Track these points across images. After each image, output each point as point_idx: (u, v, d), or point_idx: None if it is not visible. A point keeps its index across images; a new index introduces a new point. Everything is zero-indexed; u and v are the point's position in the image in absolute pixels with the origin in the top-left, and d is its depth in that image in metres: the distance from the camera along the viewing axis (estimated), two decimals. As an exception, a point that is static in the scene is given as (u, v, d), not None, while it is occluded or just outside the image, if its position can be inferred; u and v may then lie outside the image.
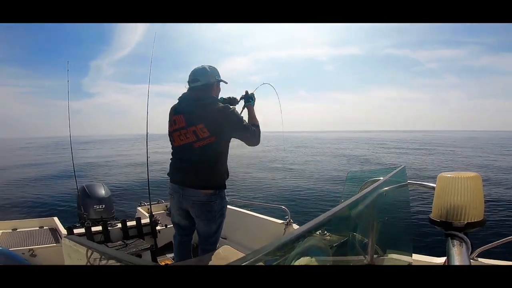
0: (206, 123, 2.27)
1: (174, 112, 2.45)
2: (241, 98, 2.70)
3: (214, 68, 2.47)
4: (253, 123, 2.51)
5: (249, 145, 2.44)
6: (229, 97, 2.68)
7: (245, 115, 2.58)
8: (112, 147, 48.42)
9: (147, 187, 4.34)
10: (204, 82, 2.38)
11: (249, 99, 2.67)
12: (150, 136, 3.99)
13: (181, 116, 2.38)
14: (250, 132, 2.38)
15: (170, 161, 2.52)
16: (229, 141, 2.42)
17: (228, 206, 2.60)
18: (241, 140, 2.42)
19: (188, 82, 2.43)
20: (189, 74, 2.44)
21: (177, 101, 2.49)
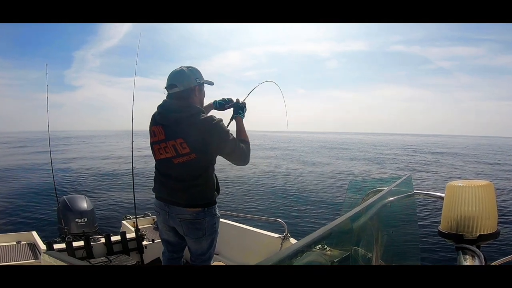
0: (186, 138, 2.16)
1: (153, 122, 2.33)
2: (229, 107, 2.55)
3: (194, 69, 2.33)
4: (242, 139, 2.35)
5: (236, 164, 2.30)
6: (224, 99, 2.57)
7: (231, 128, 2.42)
8: (95, 145, 48.02)
9: (133, 199, 4.30)
10: (182, 88, 2.25)
11: (238, 109, 2.50)
12: (137, 133, 3.97)
13: (160, 128, 2.26)
14: (238, 150, 2.24)
15: (154, 174, 2.45)
16: (215, 157, 2.30)
17: (221, 220, 2.55)
18: (227, 159, 2.27)
19: (166, 88, 2.31)
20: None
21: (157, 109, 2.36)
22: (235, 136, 2.31)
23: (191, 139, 2.16)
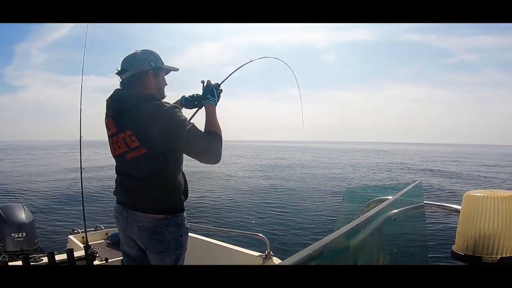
0: (134, 129, 2.18)
1: (105, 114, 2.38)
2: (198, 105, 2.49)
3: (150, 52, 2.35)
4: (210, 130, 2.27)
5: (202, 162, 2.21)
6: (194, 95, 2.54)
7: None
8: (39, 156, 47.49)
9: (82, 210, 4.23)
10: (134, 72, 2.28)
11: (208, 94, 2.36)
12: (88, 143, 3.90)
13: (111, 120, 2.32)
14: (203, 143, 2.17)
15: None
16: (175, 153, 2.25)
17: (190, 234, 2.52)
18: (189, 155, 2.21)
19: (117, 73, 2.36)
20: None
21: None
22: (203, 129, 2.27)
23: (139, 130, 2.17)
